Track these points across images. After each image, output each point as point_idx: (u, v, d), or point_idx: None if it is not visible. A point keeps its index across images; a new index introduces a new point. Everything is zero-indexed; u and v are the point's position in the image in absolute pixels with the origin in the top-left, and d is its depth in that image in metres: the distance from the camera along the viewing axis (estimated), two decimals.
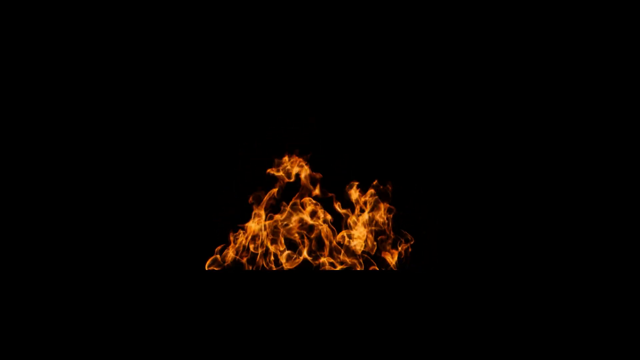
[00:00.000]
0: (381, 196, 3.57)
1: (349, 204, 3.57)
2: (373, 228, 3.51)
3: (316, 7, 3.84)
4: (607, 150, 3.66)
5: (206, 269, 3.43)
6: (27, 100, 3.69)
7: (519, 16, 3.78)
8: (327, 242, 3.48)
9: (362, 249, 3.49)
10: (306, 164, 3.61)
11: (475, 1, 3.80)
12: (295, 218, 3.48)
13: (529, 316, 3.21)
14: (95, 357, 3.08)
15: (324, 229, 3.48)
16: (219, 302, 3.16)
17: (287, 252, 3.46)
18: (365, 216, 3.52)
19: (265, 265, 3.44)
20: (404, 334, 3.10)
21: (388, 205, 3.55)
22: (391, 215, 3.54)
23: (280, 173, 3.58)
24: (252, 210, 3.54)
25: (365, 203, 3.55)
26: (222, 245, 3.49)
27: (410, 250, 3.52)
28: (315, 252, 3.46)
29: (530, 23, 3.77)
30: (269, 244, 3.48)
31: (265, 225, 3.48)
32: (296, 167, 3.59)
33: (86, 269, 3.50)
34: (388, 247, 3.50)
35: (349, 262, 3.46)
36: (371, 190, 3.56)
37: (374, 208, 3.54)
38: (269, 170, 3.59)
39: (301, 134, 3.83)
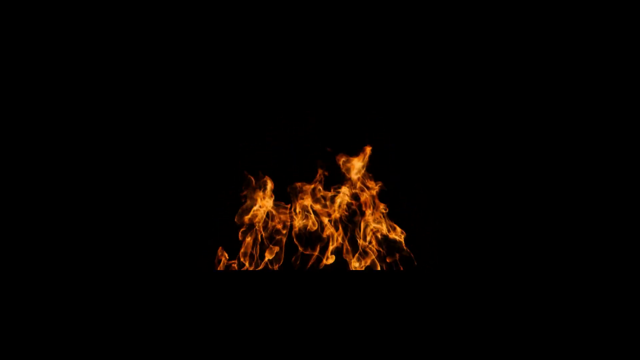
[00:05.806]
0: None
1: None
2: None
3: (315, 8, 3.85)
4: (607, 149, 3.66)
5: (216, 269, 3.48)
6: (27, 101, 3.69)
7: (518, 16, 3.78)
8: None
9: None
10: None
11: (474, 1, 3.80)
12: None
13: (530, 315, 3.22)
14: (95, 357, 3.09)
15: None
16: (219, 302, 3.17)
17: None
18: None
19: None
20: (403, 334, 3.11)
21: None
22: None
23: None
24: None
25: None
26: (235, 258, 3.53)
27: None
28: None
29: (530, 23, 3.77)
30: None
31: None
32: None
33: (84, 266, 3.52)
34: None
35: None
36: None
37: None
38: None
39: (301, 134, 3.84)
